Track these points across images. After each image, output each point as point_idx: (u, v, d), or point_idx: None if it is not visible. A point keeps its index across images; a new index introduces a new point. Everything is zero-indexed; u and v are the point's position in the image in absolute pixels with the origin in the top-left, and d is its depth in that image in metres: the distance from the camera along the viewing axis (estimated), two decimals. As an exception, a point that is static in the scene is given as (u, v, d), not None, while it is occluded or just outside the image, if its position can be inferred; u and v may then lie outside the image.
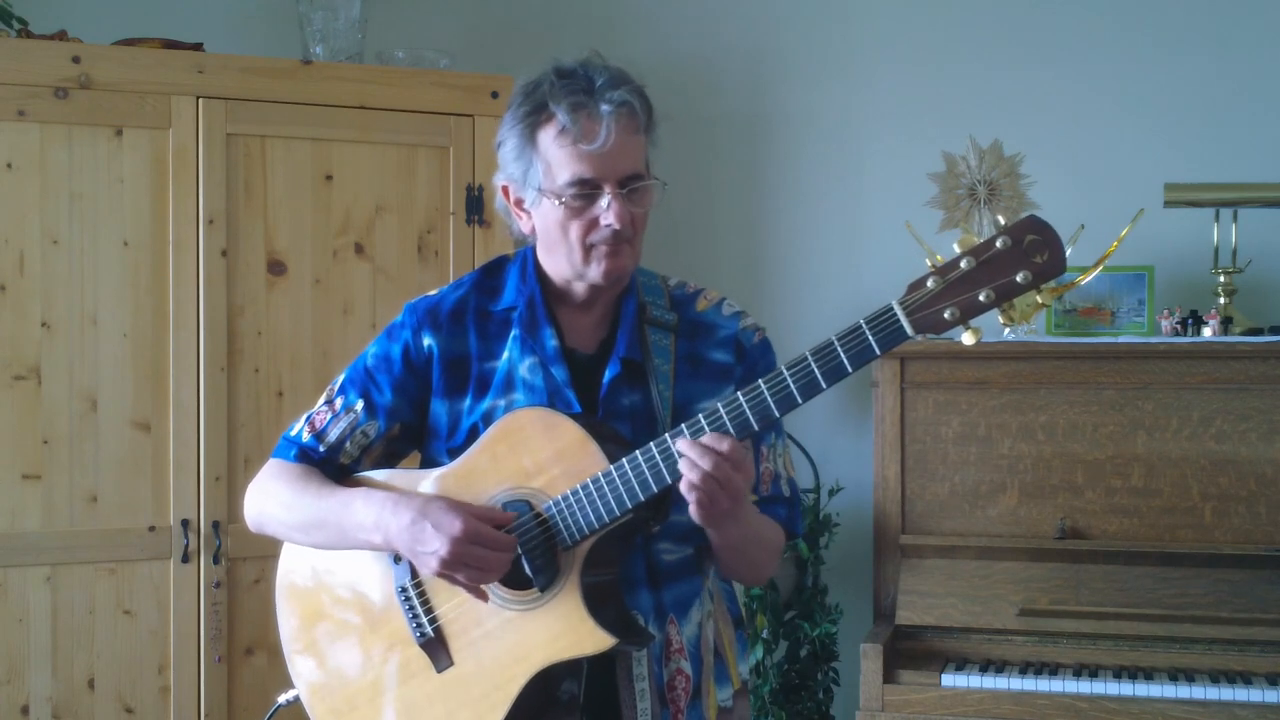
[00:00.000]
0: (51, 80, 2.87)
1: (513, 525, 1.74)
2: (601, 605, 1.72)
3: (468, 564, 1.70)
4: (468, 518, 1.71)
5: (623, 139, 1.75)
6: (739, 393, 1.65)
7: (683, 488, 1.63)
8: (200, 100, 2.98)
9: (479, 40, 3.69)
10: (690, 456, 1.62)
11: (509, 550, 1.72)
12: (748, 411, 1.64)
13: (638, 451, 1.69)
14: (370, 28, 3.37)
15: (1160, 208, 3.18)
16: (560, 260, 1.82)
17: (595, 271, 1.80)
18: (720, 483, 1.62)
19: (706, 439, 1.63)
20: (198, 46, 3.09)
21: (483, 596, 1.76)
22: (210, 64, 3.00)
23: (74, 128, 2.90)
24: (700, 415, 1.67)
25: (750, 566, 1.89)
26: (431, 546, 1.70)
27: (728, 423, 1.65)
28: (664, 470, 1.68)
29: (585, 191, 1.76)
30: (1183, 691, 2.77)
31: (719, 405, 1.66)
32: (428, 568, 1.73)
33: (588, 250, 1.79)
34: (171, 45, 3.05)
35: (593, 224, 1.77)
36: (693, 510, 1.66)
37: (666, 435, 1.68)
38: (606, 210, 1.76)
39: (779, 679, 3.36)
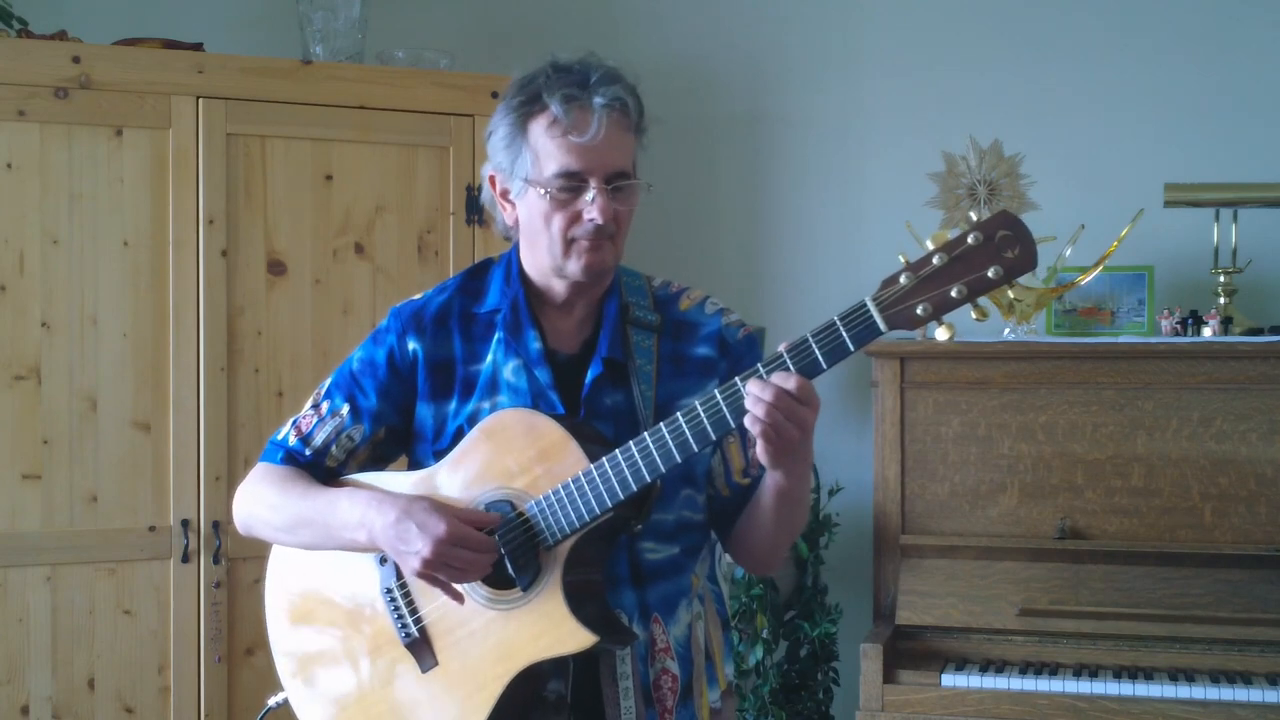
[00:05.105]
0: (51, 80, 2.88)
1: (496, 525, 1.74)
2: (584, 604, 1.73)
3: (449, 565, 1.72)
4: (451, 519, 1.72)
5: (613, 135, 1.76)
6: (716, 390, 1.66)
7: (747, 422, 1.62)
8: (200, 100, 2.98)
9: (479, 40, 3.69)
10: (754, 393, 1.60)
11: (491, 552, 1.73)
12: (724, 408, 1.65)
13: (618, 451, 1.70)
14: (370, 28, 3.37)
15: (1160, 208, 3.18)
16: (541, 253, 1.83)
17: (575, 266, 1.80)
18: (786, 414, 1.60)
19: (775, 378, 1.60)
20: (198, 46, 3.10)
21: (458, 598, 1.77)
22: (210, 64, 3.00)
23: (74, 128, 2.91)
24: (713, 393, 1.66)
25: (790, 530, 1.86)
26: (415, 546, 1.72)
27: (705, 420, 1.65)
28: (643, 469, 1.68)
29: (571, 184, 1.77)
30: (1183, 691, 2.77)
31: (695, 403, 1.66)
32: (409, 567, 1.75)
33: (569, 244, 1.79)
34: (171, 45, 3.05)
35: (576, 217, 1.78)
36: (760, 449, 1.64)
37: (645, 434, 1.69)
38: (590, 204, 1.76)
39: (779, 679, 3.36)
